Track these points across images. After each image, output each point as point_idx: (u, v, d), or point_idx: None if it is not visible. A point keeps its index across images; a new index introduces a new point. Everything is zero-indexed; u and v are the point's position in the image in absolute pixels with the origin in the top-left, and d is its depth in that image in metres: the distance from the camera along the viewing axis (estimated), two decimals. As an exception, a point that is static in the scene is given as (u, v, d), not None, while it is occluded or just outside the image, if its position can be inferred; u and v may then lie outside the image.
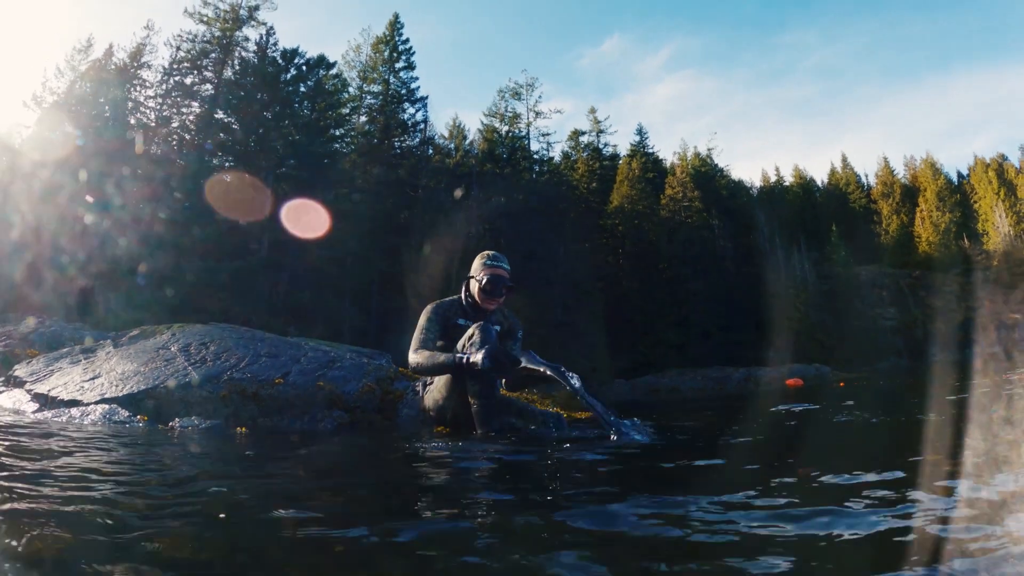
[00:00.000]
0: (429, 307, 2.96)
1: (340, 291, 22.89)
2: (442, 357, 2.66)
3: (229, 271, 20.17)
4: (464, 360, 2.56)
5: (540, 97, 31.76)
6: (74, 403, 3.16)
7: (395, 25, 27.28)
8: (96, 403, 3.10)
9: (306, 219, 20.24)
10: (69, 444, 2.00)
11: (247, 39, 26.21)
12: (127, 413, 2.98)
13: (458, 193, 24.05)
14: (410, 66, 26.73)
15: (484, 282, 2.92)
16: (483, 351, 2.49)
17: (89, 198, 17.78)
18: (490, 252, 3.07)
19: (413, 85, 26.69)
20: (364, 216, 22.69)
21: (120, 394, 3.15)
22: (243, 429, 2.83)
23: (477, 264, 3.02)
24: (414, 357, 2.76)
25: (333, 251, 22.02)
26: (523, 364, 2.63)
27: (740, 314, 28.76)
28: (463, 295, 3.03)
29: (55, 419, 2.88)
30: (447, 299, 3.04)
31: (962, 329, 31.42)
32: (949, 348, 30.03)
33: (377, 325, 22.84)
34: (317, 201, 20.22)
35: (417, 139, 25.92)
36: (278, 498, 1.37)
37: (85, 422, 2.82)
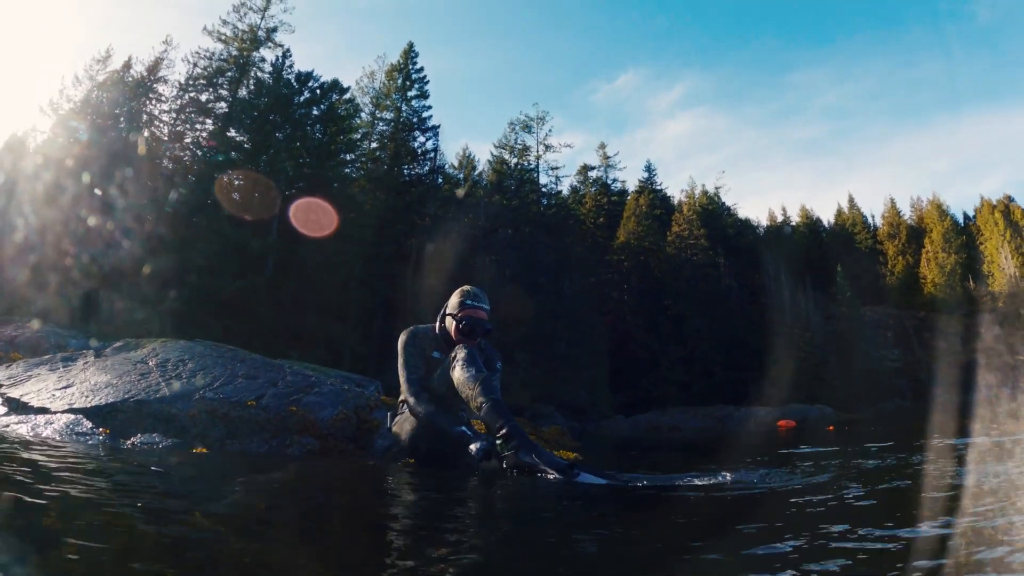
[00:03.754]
0: (406, 335, 2.84)
1: (343, 315, 22.81)
2: (442, 422, 2.55)
3: (233, 290, 20.12)
4: (462, 431, 2.46)
5: (551, 130, 32.06)
6: (42, 411, 3.13)
7: (410, 53, 27.52)
8: (63, 412, 3.06)
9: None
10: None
11: (263, 60, 26.49)
12: (90, 425, 2.94)
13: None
14: (423, 95, 26.88)
15: (462, 324, 2.79)
16: (481, 449, 2.35)
17: (98, 206, 17.85)
18: (470, 289, 2.91)
19: (425, 114, 26.83)
20: (370, 241, 22.67)
21: (88, 405, 3.12)
22: (202, 450, 2.73)
23: (455, 301, 2.87)
24: (415, 403, 2.64)
25: (337, 275, 21.97)
26: (524, 461, 2.37)
27: (744, 353, 28.58)
28: (437, 326, 2.89)
29: (16, 425, 2.85)
30: (422, 327, 2.91)
31: (966, 371, 31.14)
32: (952, 390, 29.75)
33: (379, 351, 22.70)
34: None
35: (427, 168, 26.00)
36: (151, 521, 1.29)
37: (45, 431, 2.78)
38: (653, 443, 12.86)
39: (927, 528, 1.30)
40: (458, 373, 2.54)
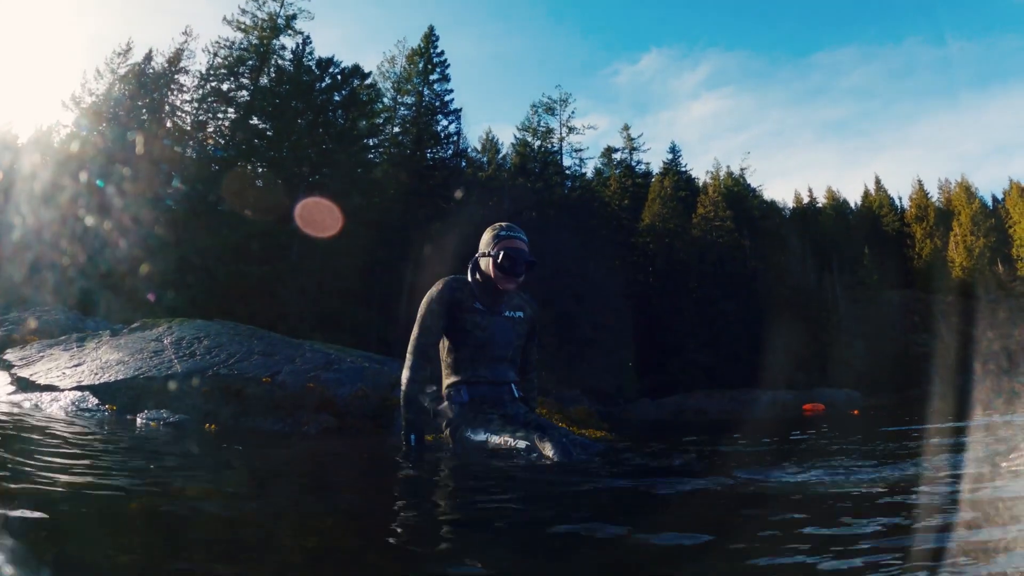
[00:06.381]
0: (438, 285, 2.43)
1: (368, 300, 22.82)
2: (411, 418, 2.34)
3: (257, 276, 20.22)
4: (410, 438, 2.30)
5: (574, 112, 31.55)
6: (50, 388, 3.10)
7: (430, 37, 27.38)
8: (70, 389, 3.02)
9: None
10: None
11: (283, 47, 26.47)
12: (96, 401, 2.88)
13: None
14: (444, 78, 26.79)
15: (500, 258, 2.35)
16: (413, 447, 2.28)
17: (119, 196, 17.97)
18: (503, 223, 2.52)
19: (447, 97, 26.73)
20: (394, 226, 22.64)
21: (96, 382, 3.07)
22: (212, 427, 2.62)
23: (488, 238, 2.46)
24: (407, 378, 2.36)
25: (361, 260, 21.95)
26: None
27: (770, 336, 28.26)
28: (469, 275, 2.49)
29: (23, 403, 2.79)
30: (461, 277, 2.50)
31: (994, 357, 30.57)
32: (979, 376, 29.24)
33: (404, 335, 22.65)
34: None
35: (450, 151, 25.94)
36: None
37: (49, 409, 2.71)
38: (680, 425, 12.84)
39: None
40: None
